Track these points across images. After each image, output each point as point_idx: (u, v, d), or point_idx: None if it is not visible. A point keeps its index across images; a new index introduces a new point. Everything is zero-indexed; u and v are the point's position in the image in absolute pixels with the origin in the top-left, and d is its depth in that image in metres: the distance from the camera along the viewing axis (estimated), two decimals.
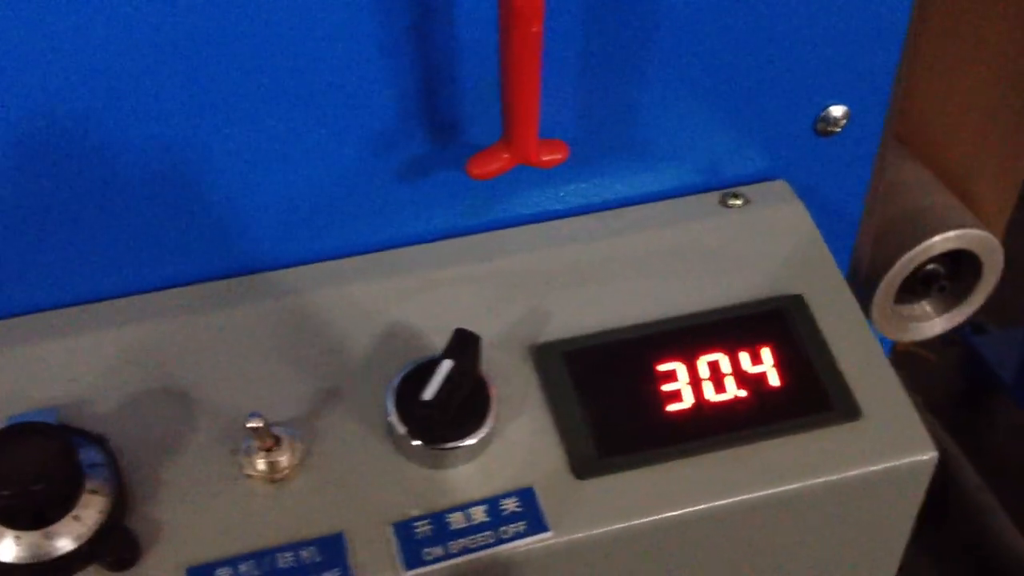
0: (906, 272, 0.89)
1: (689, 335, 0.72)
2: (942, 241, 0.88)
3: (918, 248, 0.88)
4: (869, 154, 0.81)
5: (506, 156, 0.67)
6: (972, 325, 1.90)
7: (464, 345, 0.65)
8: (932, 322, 0.95)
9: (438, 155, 0.72)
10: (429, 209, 0.74)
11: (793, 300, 0.74)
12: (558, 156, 0.69)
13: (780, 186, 0.80)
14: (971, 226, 0.89)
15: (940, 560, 1.70)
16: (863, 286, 0.90)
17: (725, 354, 0.71)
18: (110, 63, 0.61)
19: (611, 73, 0.72)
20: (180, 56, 0.62)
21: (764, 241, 0.77)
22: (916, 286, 0.91)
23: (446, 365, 0.64)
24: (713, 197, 0.79)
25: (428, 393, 0.63)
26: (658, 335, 0.72)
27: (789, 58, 0.74)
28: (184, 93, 0.64)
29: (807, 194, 0.80)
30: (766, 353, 0.71)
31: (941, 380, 1.96)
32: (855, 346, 0.72)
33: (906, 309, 0.94)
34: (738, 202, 0.79)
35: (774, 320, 0.73)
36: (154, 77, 0.63)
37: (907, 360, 1.91)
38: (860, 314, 0.74)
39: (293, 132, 0.68)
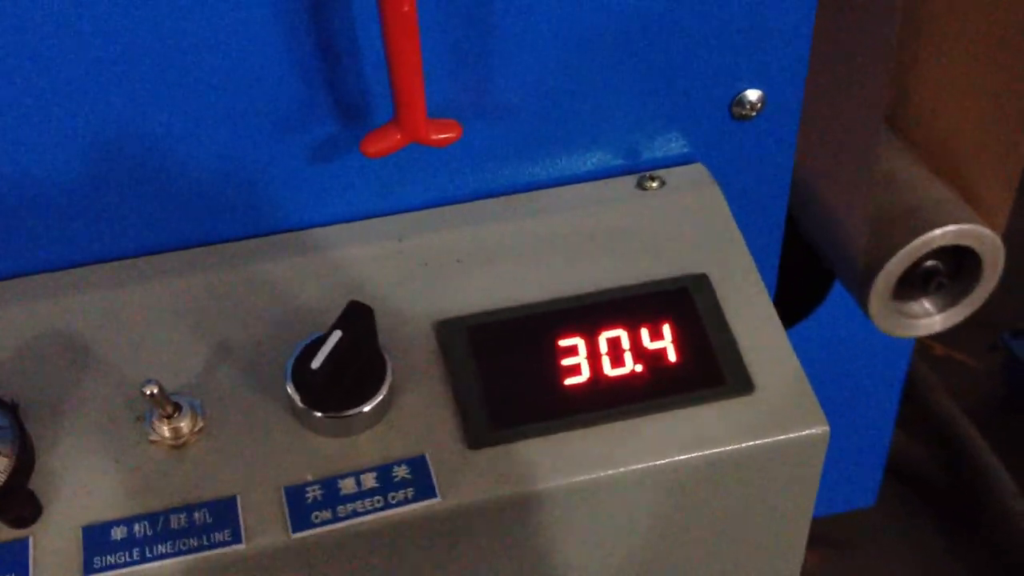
0: (903, 267, 0.88)
1: (592, 312, 0.73)
2: (940, 236, 0.87)
3: (915, 242, 0.87)
4: (788, 138, 0.81)
5: (397, 135, 0.69)
6: (1013, 330, 1.87)
7: (355, 316, 0.68)
8: (932, 319, 0.94)
9: (346, 136, 0.74)
10: (339, 190, 0.76)
11: (697, 279, 0.75)
12: (450, 135, 0.71)
13: (697, 169, 0.81)
14: (969, 221, 0.88)
15: (972, 565, 1.68)
16: (860, 280, 0.89)
17: (625, 330, 0.72)
18: None
19: (525, 55, 0.73)
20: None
21: (677, 222, 0.78)
22: (916, 282, 0.91)
23: (335, 335, 0.67)
24: (631, 180, 0.81)
25: (316, 362, 0.66)
26: (562, 312, 0.74)
27: (703, 41, 0.76)
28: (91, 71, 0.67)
29: (727, 178, 0.81)
30: (666, 329, 0.73)
31: (981, 386, 1.94)
32: (756, 324, 0.73)
33: (906, 305, 0.93)
34: (655, 185, 0.80)
35: (677, 298, 0.74)
36: None
37: (947, 365, 1.90)
38: (765, 294, 0.75)
39: (198, 115, 0.70)
